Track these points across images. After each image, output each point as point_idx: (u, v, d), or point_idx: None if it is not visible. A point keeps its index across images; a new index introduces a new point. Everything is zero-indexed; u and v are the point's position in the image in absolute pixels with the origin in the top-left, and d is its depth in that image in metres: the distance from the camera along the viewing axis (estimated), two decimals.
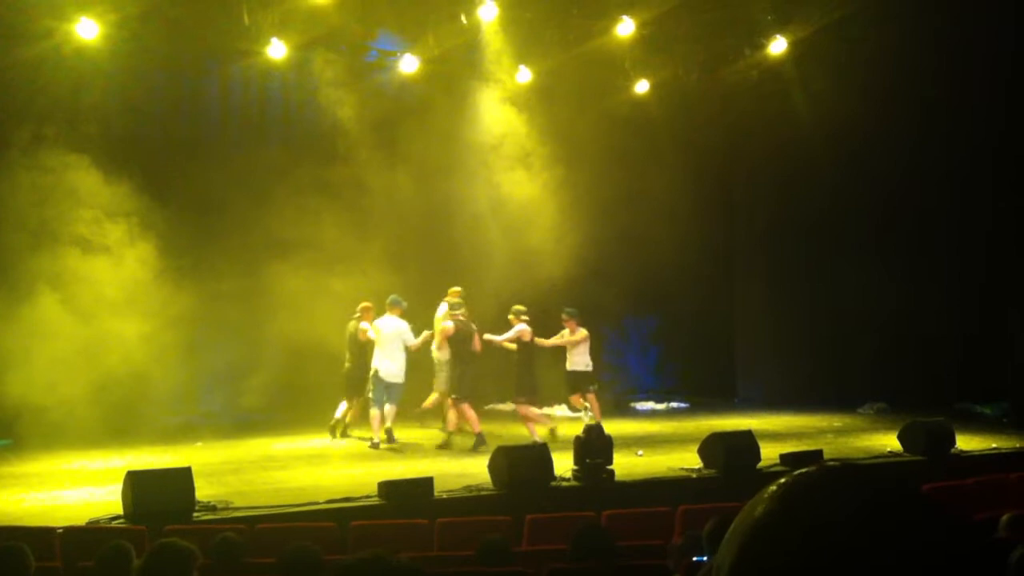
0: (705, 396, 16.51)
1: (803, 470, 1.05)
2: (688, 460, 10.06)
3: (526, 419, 11.99)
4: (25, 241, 12.28)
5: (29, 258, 12.19)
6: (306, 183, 14.10)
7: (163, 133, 13.54)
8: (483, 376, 12.74)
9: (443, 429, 12.22)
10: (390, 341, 11.96)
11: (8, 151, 12.17)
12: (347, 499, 8.45)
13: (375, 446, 11.81)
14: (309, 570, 4.73)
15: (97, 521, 7.66)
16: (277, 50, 13.29)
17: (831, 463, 1.06)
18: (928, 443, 10.49)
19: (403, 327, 12.06)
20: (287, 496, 8.74)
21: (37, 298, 11.96)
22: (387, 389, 11.92)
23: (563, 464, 9.36)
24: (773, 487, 1.03)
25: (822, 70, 14.73)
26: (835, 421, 13.93)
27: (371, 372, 11.98)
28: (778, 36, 14.58)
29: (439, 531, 7.26)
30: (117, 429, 12.00)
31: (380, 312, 12.26)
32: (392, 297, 12.20)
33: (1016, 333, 14.02)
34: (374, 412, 11.95)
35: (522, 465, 8.94)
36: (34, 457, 11.35)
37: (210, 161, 13.77)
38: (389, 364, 11.90)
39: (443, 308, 12.35)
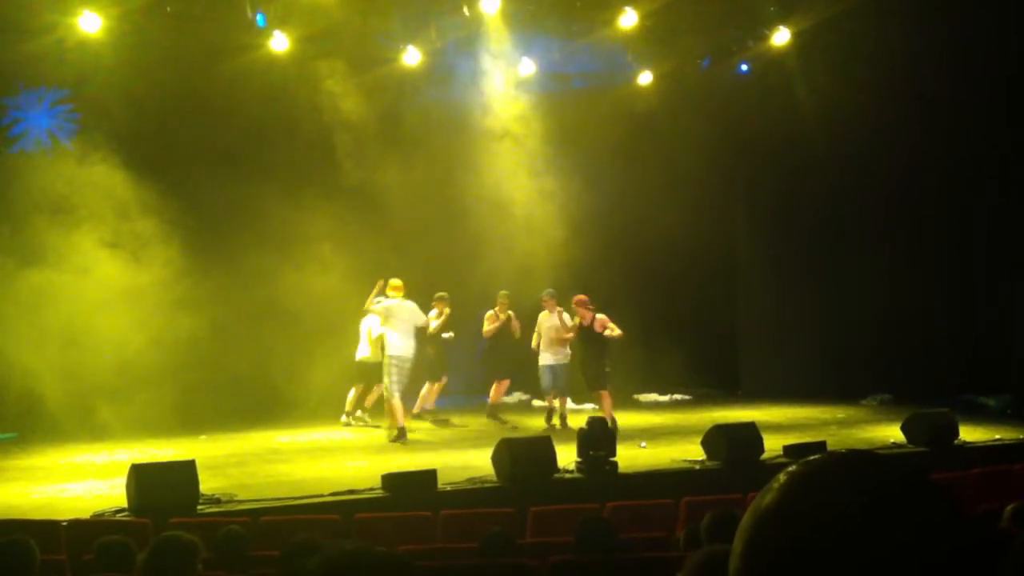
0: (708, 388, 16.51)
1: (811, 458, 1.05)
2: (691, 452, 10.06)
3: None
4: (32, 232, 12.31)
5: (36, 247, 12.22)
6: (307, 177, 14.13)
7: (165, 126, 13.54)
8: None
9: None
10: None
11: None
12: (351, 492, 8.46)
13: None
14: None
15: (102, 514, 7.69)
16: (280, 43, 13.28)
17: (838, 451, 1.06)
18: (931, 434, 10.48)
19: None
20: (291, 489, 8.77)
21: (43, 290, 11.99)
22: None
23: (566, 456, 9.37)
24: (782, 476, 1.03)
25: (825, 63, 14.69)
26: (838, 413, 13.92)
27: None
28: (781, 27, 14.54)
29: (443, 523, 7.28)
30: (123, 423, 12.02)
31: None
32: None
33: (1020, 326, 14.01)
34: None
35: (525, 457, 8.95)
36: (39, 450, 11.40)
37: (213, 154, 13.77)
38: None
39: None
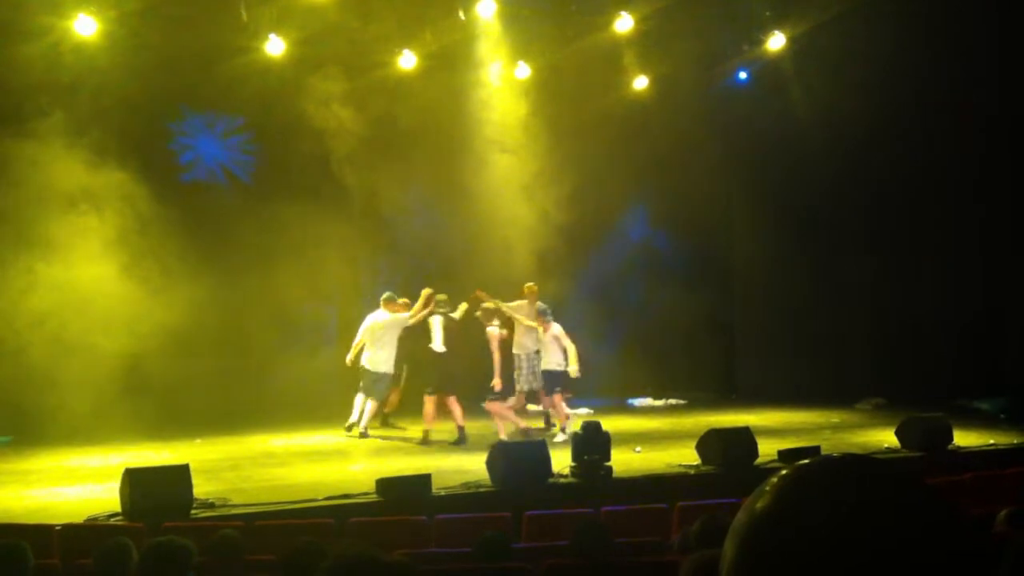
0: (703, 392, 16.52)
1: (804, 461, 1.04)
2: (686, 456, 10.05)
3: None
4: (21, 231, 12.27)
5: (33, 246, 12.18)
6: (304, 181, 14.12)
7: (159, 129, 13.53)
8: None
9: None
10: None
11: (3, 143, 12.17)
12: (345, 496, 8.44)
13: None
14: (313, 567, 4.71)
15: (95, 518, 7.65)
16: (275, 47, 13.28)
17: (832, 455, 1.06)
18: (925, 439, 10.49)
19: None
20: (285, 493, 8.74)
21: (38, 292, 11.96)
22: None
23: (561, 461, 9.37)
24: (774, 479, 1.02)
25: (820, 66, 14.72)
26: (833, 417, 13.94)
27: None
28: (776, 32, 14.58)
29: (437, 528, 7.26)
30: (116, 426, 11.99)
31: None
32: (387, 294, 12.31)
33: (1013, 330, 14.03)
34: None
35: (520, 462, 8.95)
36: (33, 454, 11.35)
37: (208, 157, 13.76)
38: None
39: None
